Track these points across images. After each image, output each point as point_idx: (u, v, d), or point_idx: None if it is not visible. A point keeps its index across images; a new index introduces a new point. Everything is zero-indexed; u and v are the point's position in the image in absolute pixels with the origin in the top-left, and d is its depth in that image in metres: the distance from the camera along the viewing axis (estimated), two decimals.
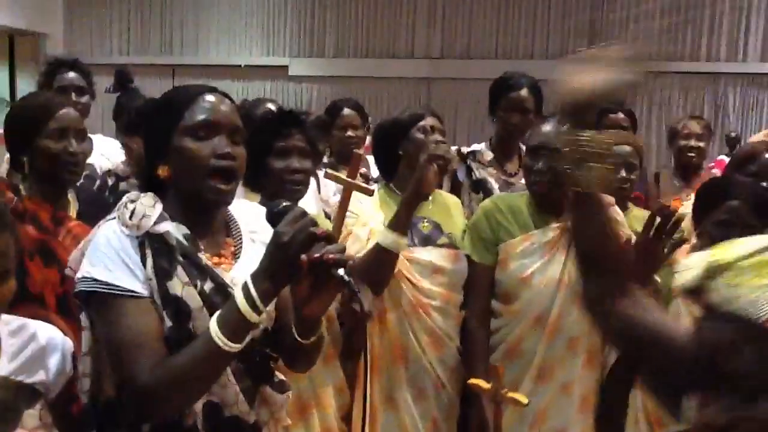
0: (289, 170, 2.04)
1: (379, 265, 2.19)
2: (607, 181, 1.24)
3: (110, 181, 2.76)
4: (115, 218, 1.41)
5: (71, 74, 3.11)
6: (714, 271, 1.01)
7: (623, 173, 2.67)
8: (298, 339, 1.41)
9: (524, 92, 2.88)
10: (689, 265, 1.08)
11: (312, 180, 2.60)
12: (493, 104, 2.96)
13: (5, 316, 1.38)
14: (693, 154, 3.70)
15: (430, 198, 2.37)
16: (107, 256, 1.36)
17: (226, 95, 1.49)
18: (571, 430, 2.27)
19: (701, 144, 3.71)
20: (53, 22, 8.06)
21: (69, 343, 1.45)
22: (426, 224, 2.35)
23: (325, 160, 3.53)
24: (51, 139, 2.01)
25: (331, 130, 3.52)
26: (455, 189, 2.88)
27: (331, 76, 7.53)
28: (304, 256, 1.27)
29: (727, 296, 0.97)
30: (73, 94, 3.05)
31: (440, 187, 2.80)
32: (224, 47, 7.86)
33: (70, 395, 1.49)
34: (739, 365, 0.97)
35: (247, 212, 1.57)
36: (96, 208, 2.04)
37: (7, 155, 2.14)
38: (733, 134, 5.42)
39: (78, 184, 2.62)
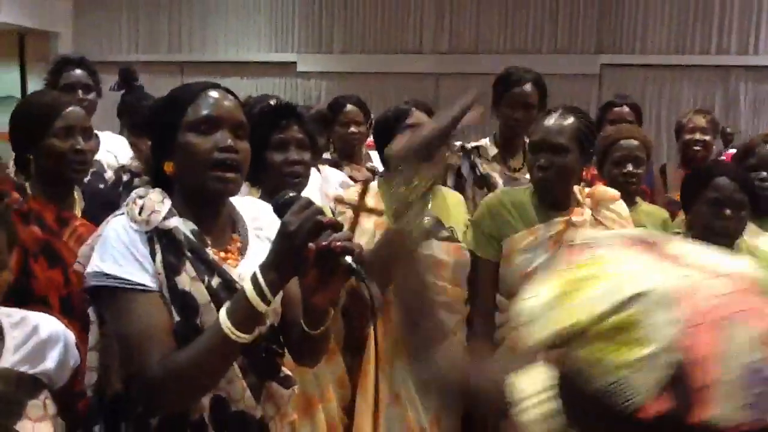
0: (288, 162, 2.03)
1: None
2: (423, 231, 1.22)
3: (125, 177, 2.78)
4: (123, 213, 1.43)
5: (77, 72, 3.13)
6: (566, 339, 0.84)
7: (630, 167, 2.66)
8: (307, 330, 1.41)
9: (528, 87, 2.87)
10: (533, 311, 0.91)
11: (316, 174, 2.61)
12: (496, 99, 2.95)
13: (7, 309, 1.40)
14: (698, 148, 3.69)
15: (430, 194, 2.38)
16: (117, 250, 1.37)
17: (228, 91, 1.51)
18: None
19: (706, 138, 3.69)
20: (63, 21, 8.10)
21: (71, 336, 1.47)
22: (426, 219, 2.32)
23: (328, 156, 3.54)
24: (57, 137, 2.02)
25: (333, 125, 3.53)
26: (459, 184, 2.88)
27: (339, 72, 7.54)
28: (311, 245, 1.28)
29: (586, 372, 0.79)
30: (80, 92, 3.08)
31: (444, 183, 2.81)
32: (232, 44, 7.88)
33: (76, 391, 1.51)
34: None
35: (253, 208, 1.59)
36: (101, 206, 2.06)
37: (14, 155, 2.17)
38: (728, 129, 5.38)
39: (86, 180, 2.65)
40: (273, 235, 1.34)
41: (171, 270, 1.38)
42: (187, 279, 1.38)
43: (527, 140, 2.80)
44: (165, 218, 1.41)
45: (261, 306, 1.29)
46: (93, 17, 8.09)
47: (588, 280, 0.85)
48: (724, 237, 2.27)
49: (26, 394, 1.34)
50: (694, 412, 0.73)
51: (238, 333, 1.29)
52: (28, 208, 1.97)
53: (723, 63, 6.88)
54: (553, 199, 2.31)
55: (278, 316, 1.50)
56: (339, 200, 2.34)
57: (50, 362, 1.41)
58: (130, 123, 3.25)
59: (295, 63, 7.70)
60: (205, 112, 1.43)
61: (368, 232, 2.26)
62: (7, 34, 8.05)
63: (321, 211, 1.31)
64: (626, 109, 3.42)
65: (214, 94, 1.46)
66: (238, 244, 1.50)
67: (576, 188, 2.36)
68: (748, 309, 0.80)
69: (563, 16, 7.16)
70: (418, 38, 7.47)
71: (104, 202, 2.23)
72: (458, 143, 2.94)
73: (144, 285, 1.36)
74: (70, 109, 2.06)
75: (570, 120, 2.24)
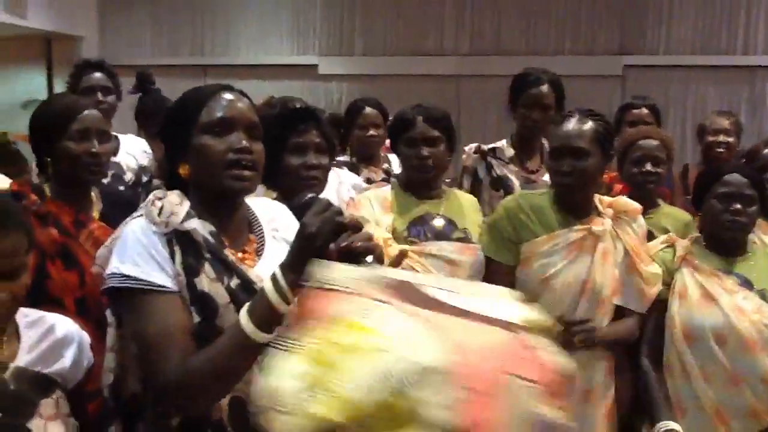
0: (306, 166, 2.03)
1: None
2: None
3: (144, 178, 2.81)
4: (142, 215, 1.43)
5: (97, 75, 3.18)
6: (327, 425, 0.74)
7: (649, 166, 2.63)
8: None
9: (545, 88, 2.86)
10: (285, 397, 0.80)
11: (333, 176, 2.61)
12: (513, 101, 2.93)
13: (24, 309, 1.42)
14: (722, 150, 3.64)
15: (443, 196, 2.38)
16: (136, 252, 1.38)
17: (242, 92, 1.51)
18: None
19: (730, 139, 3.65)
20: (88, 26, 8.21)
21: (86, 336, 1.49)
22: (439, 220, 2.34)
23: (346, 159, 3.54)
24: (73, 140, 2.04)
25: (352, 128, 3.54)
26: (475, 186, 2.86)
27: (360, 74, 7.55)
28: (332, 246, 1.28)
29: None
30: (99, 94, 3.12)
31: (460, 185, 2.80)
32: (254, 47, 7.92)
33: (89, 391, 1.52)
34: None
35: (269, 209, 1.59)
36: (120, 208, 2.07)
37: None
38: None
39: (105, 182, 2.68)
40: (290, 236, 1.34)
41: (190, 271, 1.39)
42: (206, 280, 1.39)
43: (544, 142, 2.79)
44: (184, 220, 1.41)
45: (281, 306, 1.29)
46: (117, 21, 8.19)
47: (346, 357, 0.77)
48: (734, 231, 2.25)
49: (40, 392, 1.35)
50: None
51: (259, 333, 1.29)
52: (46, 210, 1.99)
53: (749, 63, 6.77)
54: (574, 204, 2.29)
55: None
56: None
57: (64, 362, 1.42)
58: (146, 126, 3.29)
59: (316, 65, 7.72)
60: (219, 114, 1.44)
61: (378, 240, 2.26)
62: (34, 38, 8.17)
63: (341, 212, 1.31)
64: (645, 110, 3.38)
65: (227, 95, 1.47)
66: (255, 245, 1.50)
67: (596, 197, 2.35)
68: (520, 365, 0.75)
69: (585, 17, 7.10)
70: (439, 40, 7.46)
71: (123, 204, 2.25)
72: (474, 145, 2.93)
73: (163, 286, 1.37)
74: (87, 112, 2.08)
75: (589, 123, 2.24)
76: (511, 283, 2.26)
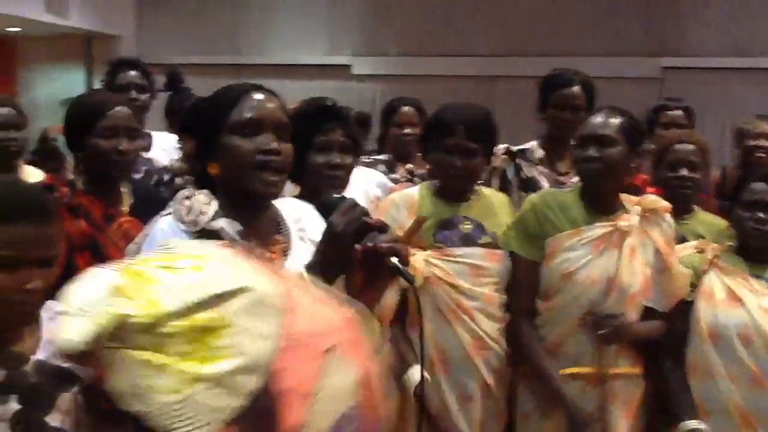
0: (330, 165, 2.03)
1: None
2: None
3: (166, 177, 2.85)
4: (170, 214, 1.45)
5: (132, 73, 3.23)
6: (126, 330, 0.68)
7: (684, 172, 2.58)
8: None
9: (576, 89, 2.82)
10: (86, 300, 0.73)
11: (360, 174, 2.61)
12: (543, 101, 2.91)
13: (49, 301, 1.44)
14: (762, 154, 3.57)
15: (473, 197, 2.34)
16: None
17: (272, 92, 1.51)
18: None
19: None
20: (126, 25, 8.36)
21: None
22: (467, 224, 2.29)
23: (384, 157, 3.55)
24: (101, 137, 2.07)
25: (389, 127, 3.54)
26: (504, 188, 2.84)
27: (394, 74, 7.55)
28: (357, 246, 1.28)
29: (127, 382, 0.67)
30: (134, 92, 3.17)
31: (488, 185, 2.77)
32: (288, 47, 7.98)
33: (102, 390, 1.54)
34: None
35: (296, 210, 1.59)
36: (150, 204, 2.10)
37: None
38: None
39: (137, 178, 2.72)
40: (316, 237, 1.35)
41: None
42: None
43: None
44: (211, 219, 1.42)
45: None
46: (155, 21, 8.33)
47: (175, 269, 0.73)
48: (759, 239, 2.22)
49: (59, 386, 1.36)
50: None
51: None
52: (76, 203, 2.03)
53: None
54: (600, 200, 2.27)
55: None
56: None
57: None
58: (175, 124, 3.33)
59: (350, 66, 7.75)
60: (248, 114, 1.44)
61: None
62: (74, 37, 8.35)
63: (367, 212, 1.32)
64: (679, 112, 3.33)
65: (257, 95, 1.47)
66: (282, 245, 1.50)
67: (623, 195, 2.32)
68: (349, 349, 0.73)
69: (621, 17, 7.01)
70: (472, 41, 7.43)
71: (154, 200, 2.27)
72: (503, 146, 2.90)
73: None
74: (116, 109, 2.10)
75: (617, 116, 2.26)
76: (535, 279, 2.26)
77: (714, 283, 2.25)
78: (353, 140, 2.12)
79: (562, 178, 2.84)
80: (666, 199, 2.39)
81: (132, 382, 0.73)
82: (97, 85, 7.86)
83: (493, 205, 2.38)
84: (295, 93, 1.75)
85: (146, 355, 0.71)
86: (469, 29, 7.44)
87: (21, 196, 1.32)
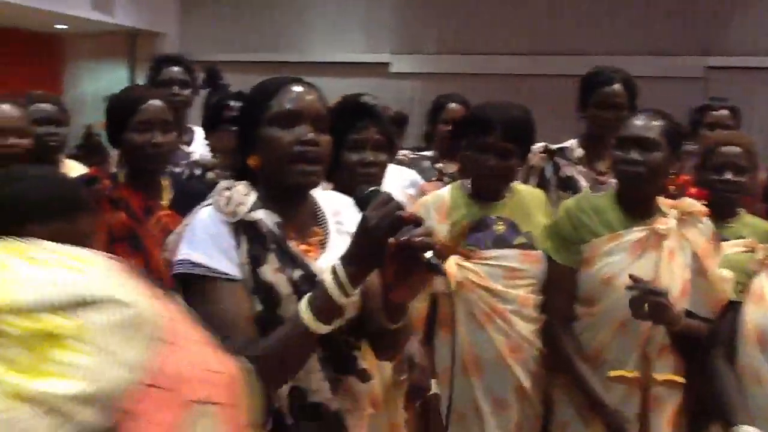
0: (363, 163, 2.03)
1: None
2: None
3: (197, 172, 2.88)
4: (210, 204, 1.47)
5: (175, 69, 3.28)
6: None
7: (729, 175, 2.52)
8: (385, 324, 1.41)
9: (617, 87, 2.78)
10: None
11: (394, 172, 2.61)
12: (583, 100, 2.87)
13: None
14: None
15: (506, 196, 2.30)
16: (204, 240, 1.41)
17: (310, 85, 1.53)
18: None
19: None
20: (169, 22, 8.51)
21: None
22: (500, 225, 2.24)
23: (430, 154, 3.56)
24: (135, 132, 2.11)
25: (436, 124, 3.56)
26: (542, 187, 2.80)
27: (433, 72, 7.53)
28: (391, 240, 1.28)
29: None
30: (176, 87, 3.23)
31: (526, 182, 2.75)
32: (327, 45, 8.03)
33: None
34: None
35: (334, 202, 1.60)
36: (190, 197, 2.13)
37: None
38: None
39: (178, 171, 2.76)
40: (353, 230, 1.35)
41: (255, 261, 1.41)
42: (270, 270, 1.41)
43: None
44: (250, 210, 1.44)
45: (341, 298, 1.30)
46: (197, 19, 8.45)
47: (43, 263, 0.62)
48: None
49: None
50: None
51: (318, 324, 1.31)
52: (117, 195, 2.07)
53: None
54: (636, 204, 2.23)
55: (358, 310, 1.51)
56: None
57: None
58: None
59: (388, 63, 7.76)
60: (287, 105, 1.46)
61: None
62: (119, 35, 8.51)
63: (402, 206, 1.31)
64: (725, 112, 3.25)
65: (296, 88, 1.49)
66: (320, 238, 1.52)
67: (659, 198, 2.27)
68: (223, 411, 0.63)
69: (663, 15, 6.88)
70: (513, 38, 7.37)
71: (194, 194, 2.30)
72: (541, 144, 2.87)
73: (229, 275, 1.40)
74: (149, 103, 2.14)
75: (659, 119, 2.21)
76: (573, 284, 2.23)
77: (765, 284, 2.18)
78: (387, 138, 2.11)
79: (601, 178, 2.80)
80: (710, 202, 2.34)
81: None
82: (141, 81, 8.02)
83: (527, 203, 2.33)
84: (333, 90, 1.76)
85: None
86: (509, 27, 7.38)
87: (57, 193, 1.35)
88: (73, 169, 2.97)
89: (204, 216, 1.45)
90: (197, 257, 1.40)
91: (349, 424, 1.51)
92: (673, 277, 2.17)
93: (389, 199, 1.32)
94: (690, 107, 3.60)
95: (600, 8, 7.06)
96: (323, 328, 1.31)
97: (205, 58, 6.44)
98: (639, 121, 2.22)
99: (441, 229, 2.21)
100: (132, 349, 0.56)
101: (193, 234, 1.43)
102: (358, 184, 1.94)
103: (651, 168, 2.16)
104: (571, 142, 2.94)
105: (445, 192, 2.34)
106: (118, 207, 2.03)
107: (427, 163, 3.36)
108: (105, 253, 0.79)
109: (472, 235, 2.22)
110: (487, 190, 2.29)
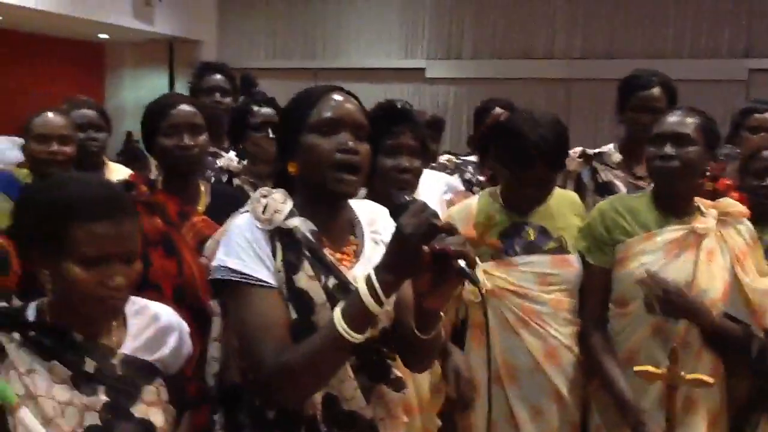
0: (398, 169, 2.03)
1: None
2: None
3: (224, 178, 2.91)
4: (247, 211, 1.49)
5: (217, 77, 3.33)
6: None
7: None
8: (418, 334, 1.41)
9: (656, 91, 2.74)
10: None
11: (430, 177, 2.60)
12: (622, 104, 2.83)
13: (131, 297, 1.50)
14: None
15: None
16: (241, 247, 1.43)
17: (351, 94, 1.55)
18: None
19: None
20: (208, 31, 8.64)
21: (185, 326, 1.54)
22: (530, 231, 2.21)
23: (474, 159, 3.54)
24: (165, 136, 2.15)
25: (480, 129, 3.53)
26: (579, 192, 2.77)
27: (468, 78, 7.52)
28: (425, 248, 1.28)
29: None
30: (218, 95, 3.27)
31: (563, 187, 2.71)
32: (363, 51, 8.07)
33: (186, 377, 1.58)
34: None
35: (371, 212, 1.61)
36: (227, 202, 2.16)
37: None
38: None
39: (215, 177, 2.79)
40: (388, 239, 1.35)
41: (290, 268, 1.43)
42: (304, 278, 1.42)
43: None
44: (286, 218, 1.46)
45: (374, 307, 1.30)
46: (235, 27, 8.57)
47: None
48: None
49: (143, 379, 1.42)
50: None
51: (351, 332, 1.31)
52: (154, 200, 2.09)
53: None
54: (673, 203, 2.19)
55: (391, 320, 1.51)
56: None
57: (166, 350, 1.48)
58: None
59: (424, 69, 7.77)
60: (327, 114, 1.48)
61: None
62: (158, 43, 8.68)
63: (436, 215, 1.31)
64: None
65: (336, 96, 1.51)
66: (354, 247, 1.53)
67: (698, 199, 2.23)
68: None
69: (707, 18, 6.76)
70: (549, 43, 7.33)
71: (231, 200, 2.32)
72: (579, 149, 2.84)
73: (264, 281, 1.41)
74: (177, 107, 2.17)
75: (695, 115, 2.18)
76: (606, 286, 2.20)
77: None
78: (422, 144, 2.10)
79: (640, 183, 2.76)
80: (751, 208, 2.29)
81: None
82: (179, 88, 8.15)
83: (559, 206, 2.29)
84: (370, 96, 1.76)
85: None
86: (545, 32, 7.34)
87: (101, 195, 1.36)
88: (117, 171, 3.02)
89: (241, 223, 1.47)
90: (233, 263, 1.42)
91: None
92: (712, 278, 2.12)
93: (423, 207, 1.32)
94: (732, 110, 3.53)
95: (640, 11, 6.98)
96: (356, 337, 1.31)
97: (243, 66, 6.54)
98: (673, 117, 2.19)
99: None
100: None
101: (230, 240, 1.45)
102: (393, 189, 1.95)
103: (685, 163, 2.12)
104: (609, 147, 2.91)
105: (473, 202, 2.32)
106: (154, 212, 2.06)
107: (470, 168, 3.33)
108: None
109: (503, 241, 2.20)
110: (521, 207, 2.26)
